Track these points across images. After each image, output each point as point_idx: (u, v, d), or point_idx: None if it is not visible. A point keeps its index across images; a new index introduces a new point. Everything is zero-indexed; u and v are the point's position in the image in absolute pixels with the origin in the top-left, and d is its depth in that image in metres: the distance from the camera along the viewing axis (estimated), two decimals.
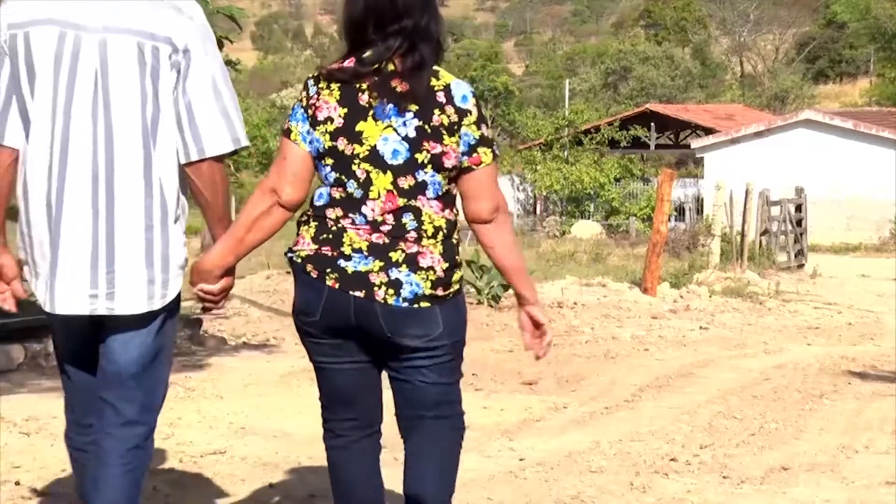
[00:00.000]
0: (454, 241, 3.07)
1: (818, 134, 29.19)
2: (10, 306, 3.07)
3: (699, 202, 31.37)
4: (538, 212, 35.79)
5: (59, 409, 6.22)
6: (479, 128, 3.02)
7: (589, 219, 33.53)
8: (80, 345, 3.09)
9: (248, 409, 6.44)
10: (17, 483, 4.72)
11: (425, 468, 3.13)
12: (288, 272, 14.01)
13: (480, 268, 12.04)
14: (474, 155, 3.02)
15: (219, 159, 3.04)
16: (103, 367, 3.05)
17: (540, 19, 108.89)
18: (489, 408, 6.81)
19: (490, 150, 3.04)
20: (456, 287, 3.07)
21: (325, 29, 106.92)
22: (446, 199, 3.05)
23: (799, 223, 21.97)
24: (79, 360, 3.12)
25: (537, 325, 3.16)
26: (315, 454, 5.37)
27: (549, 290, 13.23)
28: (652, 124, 36.49)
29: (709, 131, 33.48)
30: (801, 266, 20.28)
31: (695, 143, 31.90)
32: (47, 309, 2.99)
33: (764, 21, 66.07)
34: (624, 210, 34.06)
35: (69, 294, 2.95)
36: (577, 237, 27.50)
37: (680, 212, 31.61)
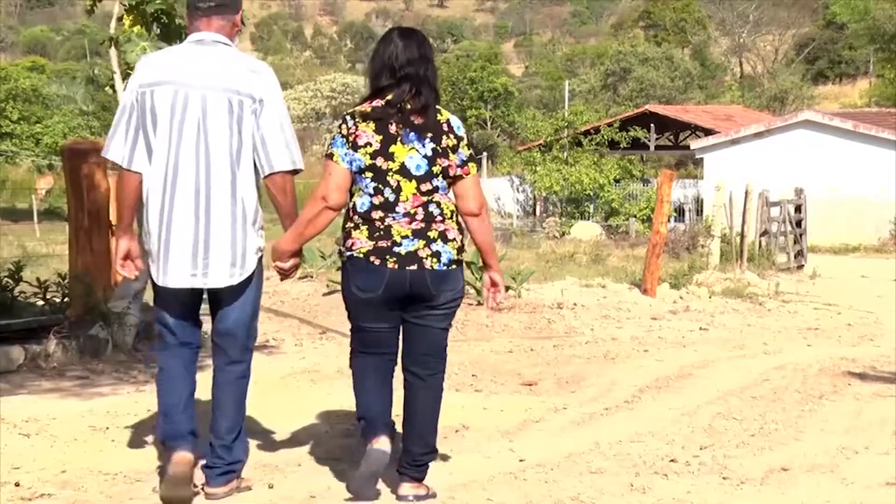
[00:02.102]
0: (459, 221, 4.41)
1: (818, 135, 29.16)
2: (130, 273, 4.43)
3: (699, 203, 31.37)
4: (538, 213, 35.75)
5: (58, 409, 6.24)
6: (468, 148, 4.42)
7: (588, 220, 33.46)
8: (182, 310, 4.48)
9: (249, 409, 6.40)
10: (17, 484, 4.72)
11: (418, 419, 4.46)
12: None
13: (481, 268, 12.00)
14: (465, 167, 4.38)
15: (289, 173, 4.35)
16: (216, 325, 4.51)
17: (539, 20, 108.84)
18: (489, 409, 6.81)
19: (475, 164, 4.43)
20: (463, 254, 4.39)
21: (324, 30, 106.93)
22: (449, 195, 4.40)
23: (798, 224, 21.94)
24: (178, 320, 4.49)
25: (495, 284, 4.53)
26: (315, 454, 5.38)
27: (548, 290, 13.20)
28: (651, 125, 36.44)
29: (708, 132, 33.42)
30: (800, 267, 20.26)
31: (694, 144, 31.86)
32: (160, 283, 4.37)
33: (763, 22, 66.13)
34: (623, 211, 33.97)
35: (176, 273, 4.33)
36: (577, 238, 27.46)
37: (679, 213, 31.60)
